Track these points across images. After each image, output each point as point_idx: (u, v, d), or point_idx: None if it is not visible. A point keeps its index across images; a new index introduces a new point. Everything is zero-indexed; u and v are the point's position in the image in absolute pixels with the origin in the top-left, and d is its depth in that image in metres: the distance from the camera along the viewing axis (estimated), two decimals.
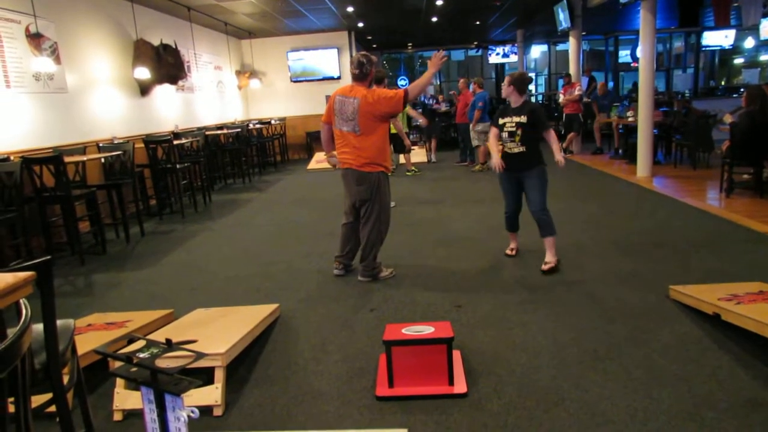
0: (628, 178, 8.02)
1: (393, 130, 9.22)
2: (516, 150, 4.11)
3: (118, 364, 1.60)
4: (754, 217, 5.35)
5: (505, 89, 4.17)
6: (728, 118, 6.59)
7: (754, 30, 14.54)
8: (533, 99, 18.09)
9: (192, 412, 1.45)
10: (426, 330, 2.68)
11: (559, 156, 4.07)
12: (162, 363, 1.48)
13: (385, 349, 2.61)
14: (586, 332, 3.11)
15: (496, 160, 4.18)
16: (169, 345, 1.54)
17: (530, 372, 2.73)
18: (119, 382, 2.53)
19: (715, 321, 3.01)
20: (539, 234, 4.19)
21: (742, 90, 13.34)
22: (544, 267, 4.11)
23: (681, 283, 3.59)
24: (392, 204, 7.27)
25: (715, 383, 2.53)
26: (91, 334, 2.98)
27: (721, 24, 11.70)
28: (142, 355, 1.46)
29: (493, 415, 2.39)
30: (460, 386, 2.58)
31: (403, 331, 2.70)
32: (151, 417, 1.49)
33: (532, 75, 19.86)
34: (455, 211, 6.56)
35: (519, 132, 4.07)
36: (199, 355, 1.56)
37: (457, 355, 2.85)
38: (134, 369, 1.48)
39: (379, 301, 3.80)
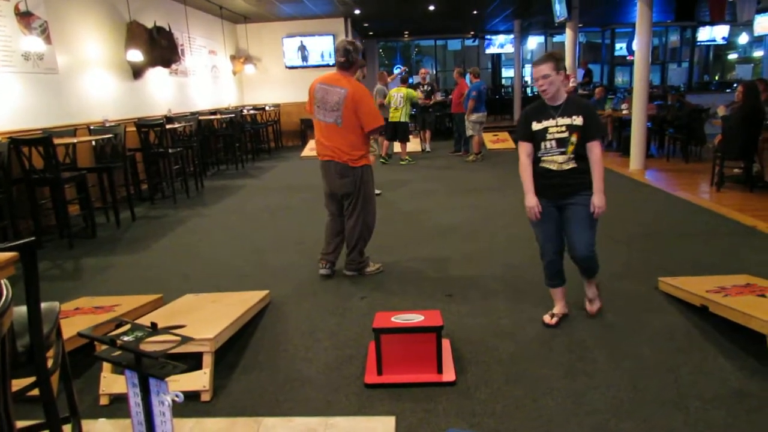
0: (620, 171, 8.04)
1: (393, 118, 9.22)
2: (566, 166, 2.92)
3: (103, 347, 1.58)
4: (743, 211, 5.38)
5: (554, 82, 2.85)
6: (722, 111, 6.61)
7: (748, 26, 14.58)
8: (528, 91, 18.01)
9: (176, 396, 1.44)
10: (415, 318, 2.68)
11: (599, 196, 2.93)
12: (147, 347, 1.47)
13: (374, 337, 2.61)
14: (575, 322, 3.12)
15: (531, 203, 2.97)
16: (155, 329, 1.52)
17: (519, 361, 2.74)
18: (106, 366, 2.51)
19: (702, 312, 3.03)
20: (581, 275, 3.18)
21: (735, 85, 13.37)
22: (592, 308, 3.19)
23: (670, 274, 3.61)
24: (377, 192, 7.26)
25: (701, 374, 2.55)
26: (78, 318, 2.96)
27: (716, 19, 11.70)
28: (126, 339, 1.44)
29: (481, 403, 2.40)
30: (448, 374, 2.59)
31: (393, 319, 2.69)
32: (135, 401, 1.48)
33: (527, 67, 19.79)
34: (448, 201, 6.55)
35: (574, 139, 2.89)
36: (185, 339, 1.55)
37: (446, 343, 2.86)
38: (118, 353, 1.47)
39: (370, 289, 3.80)
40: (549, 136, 2.93)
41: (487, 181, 7.70)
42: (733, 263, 4.00)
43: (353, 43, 3.79)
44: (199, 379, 2.47)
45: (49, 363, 1.64)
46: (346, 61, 3.73)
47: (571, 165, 2.93)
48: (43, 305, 1.69)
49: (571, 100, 2.95)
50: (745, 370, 2.57)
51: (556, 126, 2.91)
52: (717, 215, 5.41)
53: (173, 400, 1.42)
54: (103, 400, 2.48)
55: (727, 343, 2.82)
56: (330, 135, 3.78)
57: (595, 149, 2.91)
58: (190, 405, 2.44)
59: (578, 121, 2.87)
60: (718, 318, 2.90)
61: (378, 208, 5.99)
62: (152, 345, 1.54)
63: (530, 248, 4.29)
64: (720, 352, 2.74)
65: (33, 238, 1.46)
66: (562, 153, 2.92)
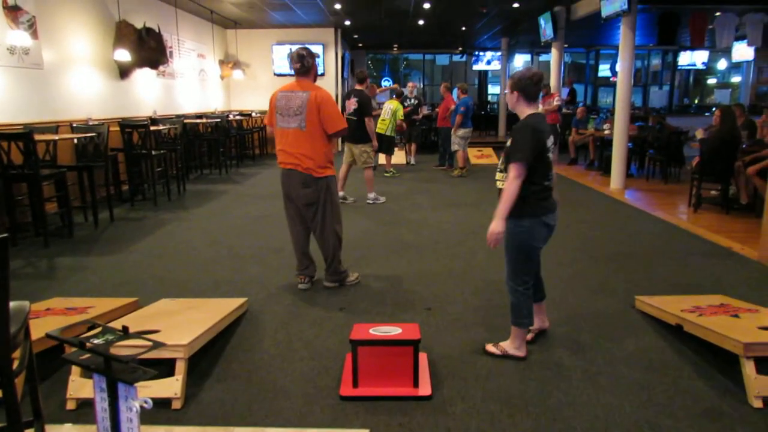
0: (601, 190, 8.14)
1: (379, 130, 9.23)
2: (500, 186, 2.84)
3: (72, 349, 1.54)
4: (719, 232, 5.48)
5: (509, 98, 2.85)
6: (700, 134, 6.75)
7: (727, 52, 14.97)
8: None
9: (145, 402, 1.40)
10: (393, 331, 2.66)
11: (494, 222, 2.68)
12: (117, 351, 1.43)
13: (351, 348, 2.59)
14: (553, 339, 3.13)
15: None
16: (126, 332, 1.49)
17: (496, 376, 2.74)
18: (75, 369, 2.45)
19: (677, 332, 3.07)
20: None
21: (713, 109, 13.71)
22: (486, 347, 2.99)
23: (647, 293, 3.65)
24: (382, 199, 7.27)
25: (675, 392, 2.57)
26: (49, 319, 2.89)
27: (696, 44, 12.00)
28: (96, 341, 1.41)
29: (457, 418, 2.39)
30: (424, 388, 2.58)
31: (371, 331, 2.68)
32: (101, 406, 1.44)
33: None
34: (431, 214, 6.57)
35: (504, 160, 2.85)
36: (156, 345, 1.51)
37: (423, 357, 2.84)
38: (87, 356, 1.43)
39: (349, 300, 3.78)
40: (500, 156, 2.95)
41: (470, 196, 7.74)
42: (709, 284, 4.06)
43: (306, 48, 3.78)
44: (171, 386, 2.42)
45: (15, 364, 1.59)
46: (302, 66, 3.70)
47: (502, 186, 2.78)
48: (13, 304, 1.65)
49: (520, 121, 2.79)
50: (718, 389, 2.60)
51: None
52: (694, 236, 5.49)
53: (141, 407, 1.39)
54: (70, 405, 2.41)
55: (702, 362, 2.85)
56: (293, 141, 3.69)
57: (509, 172, 2.67)
58: (160, 412, 2.39)
59: (509, 142, 2.77)
60: (692, 337, 2.93)
61: (360, 219, 6.00)
62: (123, 349, 1.51)
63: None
64: (694, 371, 2.77)
65: (5, 235, 1.43)
66: (501, 172, 2.87)
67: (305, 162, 3.68)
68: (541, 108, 11.24)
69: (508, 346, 2.95)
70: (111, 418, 1.39)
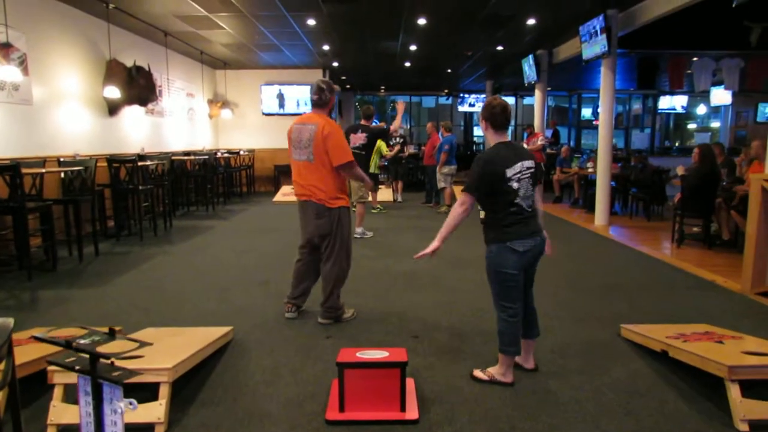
0: (586, 226, 8.26)
1: (372, 169, 9.35)
2: (481, 216, 2.98)
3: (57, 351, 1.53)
4: (702, 266, 5.56)
5: (482, 127, 2.98)
6: (680, 170, 6.93)
7: (705, 96, 15.50)
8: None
9: (130, 404, 1.39)
10: (380, 354, 2.66)
11: (437, 240, 3.01)
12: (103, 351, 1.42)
13: (337, 372, 2.57)
14: (540, 365, 3.13)
15: None
16: (112, 334, 1.49)
17: (482, 401, 2.72)
18: (56, 394, 2.40)
19: (663, 359, 3.09)
20: None
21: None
22: (474, 373, 3.01)
23: (632, 323, 3.68)
24: (369, 234, 7.31)
25: (661, 416, 2.58)
26: (31, 347, 2.84)
27: (675, 88, 12.44)
28: (82, 341, 1.40)
29: None
30: (411, 412, 2.55)
31: (357, 354, 2.67)
32: (86, 410, 1.41)
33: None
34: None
35: None
36: (142, 344, 1.51)
37: (410, 382, 2.83)
38: (72, 358, 1.42)
39: (336, 329, 3.76)
40: None
41: (456, 231, 7.79)
42: (693, 314, 4.10)
43: (327, 82, 3.80)
44: (155, 411, 2.38)
45: None
46: (319, 99, 3.75)
47: (481, 215, 2.95)
48: None
49: None
50: (703, 413, 2.60)
51: None
52: (677, 270, 5.57)
53: (127, 408, 1.37)
54: (51, 431, 2.35)
55: (687, 387, 2.86)
56: (304, 173, 3.73)
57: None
58: None
59: None
60: (678, 364, 2.95)
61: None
62: (109, 350, 1.49)
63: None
64: (679, 396, 2.78)
65: None
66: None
67: (317, 193, 3.70)
68: (526, 147, 11.48)
69: (495, 371, 2.94)
70: (95, 422, 1.37)
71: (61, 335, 3.01)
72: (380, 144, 9.44)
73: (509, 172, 2.78)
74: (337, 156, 3.65)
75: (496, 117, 2.87)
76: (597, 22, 7.89)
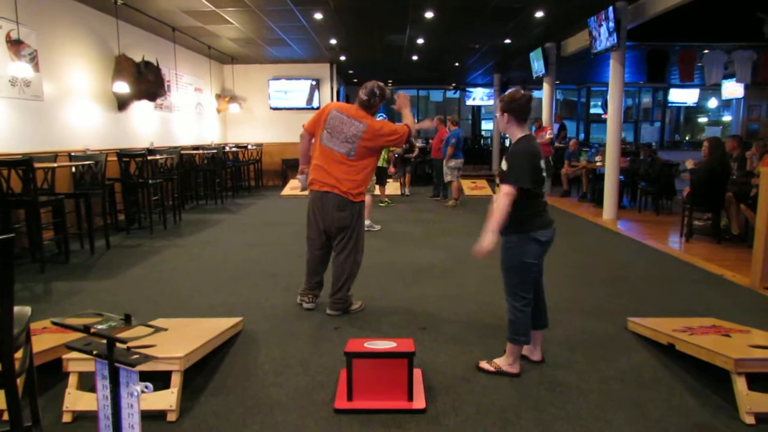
0: (594, 220, 8.24)
1: (380, 163, 9.37)
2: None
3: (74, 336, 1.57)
4: (711, 261, 5.55)
5: (500, 121, 2.95)
6: (690, 164, 6.89)
7: (716, 89, 15.36)
8: (507, 142, 18.47)
9: (146, 387, 1.43)
10: (388, 345, 2.69)
11: (490, 231, 2.75)
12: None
13: (345, 361, 2.60)
14: (547, 357, 3.15)
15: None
16: (128, 320, 1.53)
17: (489, 392, 2.75)
18: (71, 382, 2.46)
19: (670, 352, 3.10)
20: None
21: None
22: (480, 364, 3.01)
23: (639, 316, 3.68)
24: (377, 227, 7.36)
25: (667, 409, 2.59)
26: (46, 336, 2.90)
27: (685, 80, 12.33)
28: (99, 327, 1.44)
29: (450, 431, 2.40)
30: (418, 402, 2.59)
31: (366, 344, 2.70)
32: (103, 394, 1.46)
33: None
34: (426, 241, 6.62)
35: (498, 181, 2.94)
36: (158, 329, 1.55)
37: (417, 372, 2.86)
38: (89, 343, 1.46)
39: (344, 320, 3.80)
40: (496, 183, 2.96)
41: (463, 225, 7.82)
42: (701, 308, 4.10)
43: (382, 87, 3.79)
44: (166, 399, 2.42)
45: (16, 365, 1.61)
46: (368, 101, 3.77)
47: None
48: (15, 309, 1.68)
49: (515, 145, 2.86)
50: (710, 406, 2.62)
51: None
52: (686, 263, 5.56)
53: (143, 391, 1.41)
54: (66, 417, 2.41)
55: (693, 381, 2.87)
56: (337, 166, 3.69)
57: (501, 189, 2.78)
58: (155, 425, 2.38)
59: (504, 165, 2.85)
60: (684, 357, 2.96)
61: None
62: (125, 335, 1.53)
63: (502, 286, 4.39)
64: (686, 388, 2.79)
65: (11, 235, 1.48)
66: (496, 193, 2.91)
67: (345, 185, 3.68)
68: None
69: (502, 362, 2.97)
70: (112, 405, 1.41)
71: (78, 322, 3.07)
72: None
73: (542, 164, 2.85)
74: (393, 141, 3.77)
75: (521, 111, 2.85)
76: (606, 14, 7.85)
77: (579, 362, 3.11)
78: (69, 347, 1.54)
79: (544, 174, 2.87)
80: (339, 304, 3.89)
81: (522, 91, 2.90)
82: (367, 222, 7.30)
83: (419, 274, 5.04)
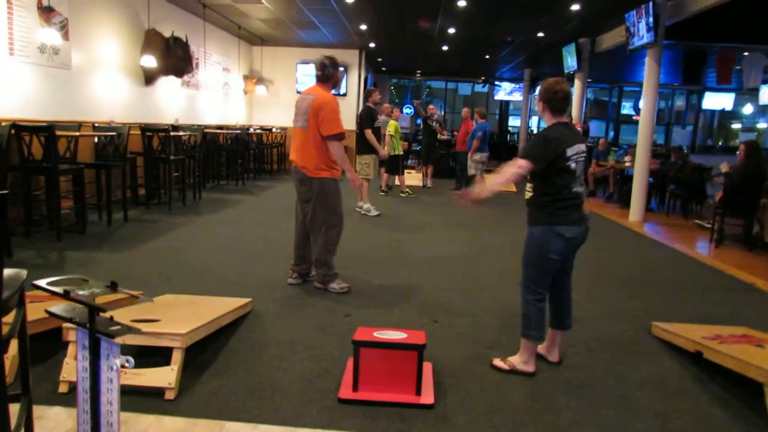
0: (620, 221, 7.99)
1: (394, 152, 9.22)
2: (526, 195, 2.87)
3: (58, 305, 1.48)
4: (741, 268, 5.30)
5: (537, 106, 2.92)
6: (725, 167, 6.62)
7: (754, 95, 14.80)
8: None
9: (127, 361, 1.34)
10: (398, 335, 2.58)
11: (475, 189, 2.80)
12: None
13: (353, 350, 2.50)
14: (564, 358, 3.00)
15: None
16: (114, 287, 1.44)
17: (502, 390, 2.62)
18: (70, 352, 2.40)
19: (695, 360, 2.93)
20: None
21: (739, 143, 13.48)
22: (494, 361, 2.87)
23: (664, 320, 3.51)
24: (377, 212, 7.27)
25: (692, 420, 2.43)
26: (48, 303, 2.83)
27: (722, 83, 11.89)
28: (81, 293, 1.35)
29: (458, 429, 2.28)
30: (427, 397, 2.47)
31: (375, 334, 2.59)
32: (82, 365, 1.37)
33: (534, 118, 20.05)
34: (444, 233, 6.48)
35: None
36: (144, 299, 1.46)
37: (427, 366, 2.74)
38: (74, 310, 1.37)
39: (356, 308, 3.69)
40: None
41: (484, 218, 7.64)
42: (729, 316, 3.90)
43: (331, 58, 3.97)
44: (166, 376, 2.35)
45: (5, 329, 1.54)
46: (322, 74, 3.93)
47: (527, 195, 2.85)
48: (8, 271, 1.61)
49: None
50: (739, 420, 2.45)
51: None
52: (714, 269, 5.33)
53: (123, 366, 1.32)
54: (63, 388, 2.35)
55: (721, 391, 2.70)
56: (298, 141, 3.93)
57: (514, 161, 2.75)
58: (152, 401, 2.31)
59: None
60: (712, 366, 2.79)
61: (372, 236, 5.95)
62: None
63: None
64: (713, 400, 2.62)
65: (5, 191, 1.39)
66: (529, 182, 2.84)
67: (302, 161, 3.88)
68: None
69: (516, 360, 2.83)
70: (91, 377, 1.32)
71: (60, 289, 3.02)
72: (393, 125, 9.20)
73: (569, 152, 2.70)
74: (325, 126, 3.78)
75: (554, 103, 2.77)
76: (646, 9, 7.55)
77: (599, 365, 2.96)
78: (49, 313, 1.46)
79: (572, 165, 2.70)
80: (319, 277, 4.01)
81: (562, 85, 2.78)
82: (365, 205, 7.26)
83: (436, 266, 4.91)
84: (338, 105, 3.91)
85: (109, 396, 1.33)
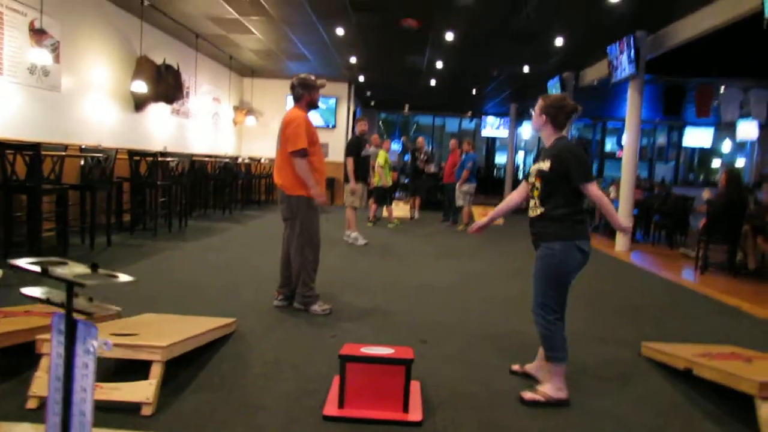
0: (606, 251, 8.03)
1: (380, 182, 9.27)
2: (533, 213, 2.76)
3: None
4: (727, 293, 5.31)
5: (535, 119, 2.83)
6: (706, 194, 6.73)
7: (732, 129, 15.15)
8: (520, 174, 18.35)
9: (105, 344, 1.27)
10: (385, 351, 2.52)
11: (618, 221, 2.88)
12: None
13: (339, 365, 2.43)
14: None
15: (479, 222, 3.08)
16: (95, 269, 1.38)
17: (491, 408, 2.56)
18: (42, 365, 2.30)
19: (686, 378, 2.89)
20: None
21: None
22: (525, 396, 2.65)
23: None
24: (364, 242, 7.21)
25: None
26: (20, 318, 2.75)
27: (701, 116, 12.18)
28: (59, 271, 1.30)
29: None
30: (414, 414, 2.40)
31: (362, 350, 2.53)
32: (57, 352, 1.30)
33: (521, 152, 20.35)
34: (433, 261, 6.45)
35: (538, 185, 2.73)
36: (125, 279, 1.42)
37: (415, 384, 2.67)
38: (48, 293, 1.31)
39: (343, 330, 3.62)
40: (530, 179, 2.81)
41: (471, 249, 7.62)
42: (717, 337, 3.87)
43: (301, 78, 4.02)
44: (143, 390, 2.25)
45: None
46: (293, 95, 4.03)
47: (538, 212, 2.72)
48: None
49: (552, 145, 2.74)
50: None
51: (534, 169, 2.79)
52: (701, 295, 5.33)
53: (101, 348, 1.26)
54: (31, 403, 2.24)
55: (712, 407, 2.66)
56: (276, 159, 3.99)
57: (588, 191, 2.63)
58: (128, 418, 2.22)
59: (544, 166, 2.68)
60: (702, 383, 2.76)
61: (360, 263, 5.91)
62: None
63: (508, 307, 4.26)
64: (705, 416, 2.58)
65: None
66: (532, 198, 2.78)
67: (281, 179, 3.94)
68: None
69: (549, 389, 2.65)
70: (65, 363, 1.25)
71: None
72: (382, 156, 9.31)
73: None
74: (289, 143, 3.79)
75: (564, 116, 2.76)
76: (628, 42, 7.77)
77: (592, 386, 2.91)
78: (25, 295, 1.40)
79: None
80: (299, 297, 3.96)
81: (568, 100, 2.79)
82: (353, 234, 7.22)
83: (424, 292, 4.86)
84: (305, 122, 3.85)
85: (84, 383, 1.26)
